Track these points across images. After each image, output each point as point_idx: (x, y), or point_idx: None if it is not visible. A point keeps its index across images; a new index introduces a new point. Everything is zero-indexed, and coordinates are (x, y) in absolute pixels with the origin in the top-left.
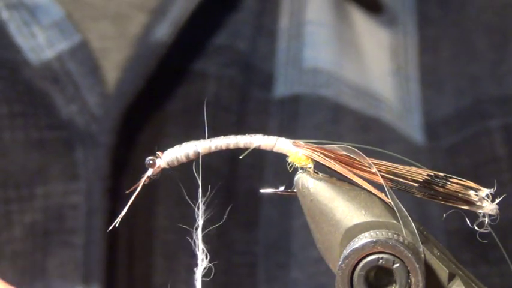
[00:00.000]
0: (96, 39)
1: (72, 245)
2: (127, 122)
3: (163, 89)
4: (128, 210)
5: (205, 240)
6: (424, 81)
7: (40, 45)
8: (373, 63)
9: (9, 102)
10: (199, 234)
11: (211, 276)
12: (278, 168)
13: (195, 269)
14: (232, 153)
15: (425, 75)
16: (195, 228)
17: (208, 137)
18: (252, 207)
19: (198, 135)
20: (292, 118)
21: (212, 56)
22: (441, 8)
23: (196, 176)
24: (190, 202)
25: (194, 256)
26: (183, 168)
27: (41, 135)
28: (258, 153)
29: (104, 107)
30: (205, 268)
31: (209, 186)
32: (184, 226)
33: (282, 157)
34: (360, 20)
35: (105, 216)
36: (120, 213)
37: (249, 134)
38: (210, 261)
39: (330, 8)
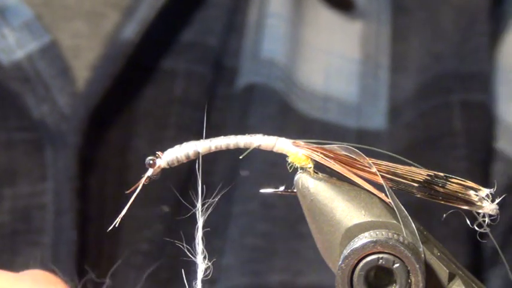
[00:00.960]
0: (68, 38)
1: (40, 245)
2: (95, 121)
3: (132, 88)
4: (97, 209)
5: (154, 238)
6: (394, 67)
7: (10, 45)
8: (334, 57)
9: None
10: (199, 234)
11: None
12: (228, 159)
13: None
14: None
15: (395, 61)
16: (196, 228)
17: (175, 136)
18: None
19: (167, 135)
20: (247, 107)
21: (182, 52)
22: None
23: (198, 176)
24: (187, 205)
25: (146, 256)
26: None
27: (9, 137)
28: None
29: (73, 107)
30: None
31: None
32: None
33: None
34: (325, 13)
35: (74, 215)
36: (89, 212)
37: (212, 130)
38: (155, 258)
39: (291, 2)
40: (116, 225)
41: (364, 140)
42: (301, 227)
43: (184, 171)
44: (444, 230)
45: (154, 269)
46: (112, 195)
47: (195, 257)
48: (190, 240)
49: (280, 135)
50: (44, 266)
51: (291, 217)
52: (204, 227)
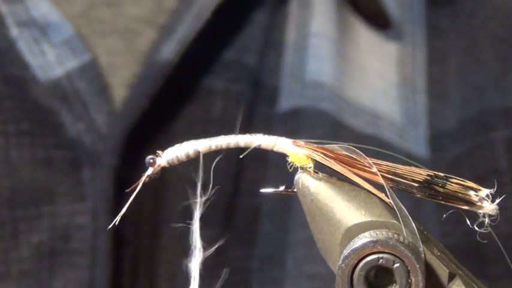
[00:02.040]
0: (104, 54)
1: (77, 266)
2: (132, 141)
3: (171, 107)
4: (133, 230)
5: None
6: (431, 92)
7: (49, 62)
8: (376, 77)
9: (16, 120)
10: (196, 231)
11: None
12: (279, 183)
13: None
14: (236, 170)
15: (432, 86)
16: (192, 225)
17: (213, 155)
18: (251, 223)
19: (205, 154)
20: (293, 132)
21: (220, 71)
22: (450, 19)
23: (200, 175)
24: (191, 200)
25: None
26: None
27: (48, 154)
28: (261, 168)
29: (110, 127)
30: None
31: (208, 189)
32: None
33: (283, 171)
34: (365, 34)
35: (110, 237)
36: (125, 233)
37: (254, 150)
38: (207, 280)
39: (334, 21)
40: (116, 223)
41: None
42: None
43: (229, 193)
44: (498, 270)
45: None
46: (148, 215)
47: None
48: (240, 262)
49: None
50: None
51: None
52: (260, 256)
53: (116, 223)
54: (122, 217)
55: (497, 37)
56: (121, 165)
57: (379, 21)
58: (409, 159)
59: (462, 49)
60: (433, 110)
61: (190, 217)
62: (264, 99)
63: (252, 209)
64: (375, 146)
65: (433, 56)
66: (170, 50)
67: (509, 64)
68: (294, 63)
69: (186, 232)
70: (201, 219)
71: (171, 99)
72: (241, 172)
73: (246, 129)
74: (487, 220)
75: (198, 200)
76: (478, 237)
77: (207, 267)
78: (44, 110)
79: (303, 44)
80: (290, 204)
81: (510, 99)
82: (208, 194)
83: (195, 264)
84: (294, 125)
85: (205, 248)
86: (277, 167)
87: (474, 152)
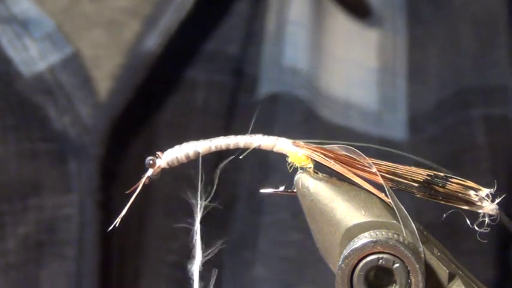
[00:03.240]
0: (88, 47)
1: (64, 257)
2: (117, 132)
3: (154, 98)
4: (120, 224)
5: (182, 249)
6: (411, 76)
7: (32, 57)
8: (353, 65)
9: (2, 115)
10: (197, 234)
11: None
12: (255, 169)
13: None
14: (215, 158)
15: (412, 70)
16: (194, 226)
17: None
18: (227, 210)
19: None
20: (270, 117)
21: (202, 62)
22: (430, 5)
23: (198, 177)
24: (189, 200)
25: (174, 267)
26: (176, 180)
27: (33, 148)
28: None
29: (95, 118)
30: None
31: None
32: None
33: (259, 158)
34: (343, 21)
35: (97, 228)
36: (116, 223)
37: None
38: (182, 270)
39: (311, 9)
40: (116, 225)
41: (384, 152)
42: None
43: (209, 180)
44: (471, 244)
45: (184, 279)
46: (135, 206)
47: (224, 270)
48: (218, 253)
49: None
50: (69, 279)
51: None
52: (233, 238)
53: (117, 225)
54: (109, 209)
55: (476, 19)
56: (107, 156)
57: (359, 9)
58: (383, 145)
59: (442, 33)
60: (412, 93)
61: (176, 210)
62: (245, 88)
63: (229, 196)
64: (346, 137)
65: (414, 42)
66: (153, 41)
67: (489, 45)
68: (273, 51)
69: (170, 224)
70: (181, 208)
71: (155, 90)
72: (218, 160)
73: (228, 119)
74: (487, 220)
75: (199, 201)
76: (478, 237)
77: (184, 255)
78: (29, 104)
79: (281, 31)
80: (264, 187)
81: (488, 78)
82: (208, 194)
83: (196, 265)
84: (271, 110)
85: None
86: (252, 153)
87: (452, 129)
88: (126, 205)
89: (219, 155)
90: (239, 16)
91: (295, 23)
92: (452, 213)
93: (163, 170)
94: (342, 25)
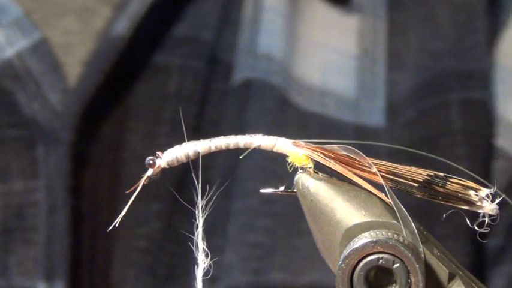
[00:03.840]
0: (59, 35)
1: (32, 242)
2: (88, 118)
3: (126, 84)
4: (90, 205)
5: (152, 235)
6: (391, 63)
7: (0, 44)
8: (331, 52)
9: None
10: (199, 234)
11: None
12: (228, 155)
13: (195, 267)
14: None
15: (392, 57)
16: (194, 226)
17: (169, 132)
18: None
19: (161, 130)
20: (244, 102)
21: (175, 47)
22: None
23: (195, 177)
24: (185, 204)
25: (144, 253)
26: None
27: (1, 134)
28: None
29: (65, 104)
30: (204, 268)
31: (206, 189)
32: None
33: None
34: (322, 8)
35: (67, 212)
36: (82, 209)
37: (208, 125)
38: (152, 256)
39: None
40: (116, 225)
41: (362, 137)
42: (302, 224)
43: (180, 168)
44: (445, 229)
45: (153, 266)
46: (106, 191)
47: (195, 255)
48: (187, 238)
49: (278, 129)
50: (37, 264)
51: (292, 213)
52: (202, 224)
53: (116, 224)
54: (79, 193)
55: (456, 5)
56: (77, 141)
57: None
58: (359, 132)
59: (421, 18)
60: (392, 80)
61: (146, 195)
62: (220, 75)
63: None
64: (320, 124)
65: (394, 28)
66: (123, 26)
67: (466, 30)
68: (248, 38)
69: (141, 209)
70: (150, 194)
71: (126, 75)
72: None
73: (202, 105)
74: (487, 220)
75: (199, 202)
76: (478, 237)
77: (156, 242)
78: None
79: (257, 18)
80: (236, 173)
81: (466, 63)
82: (207, 195)
83: (199, 267)
84: (244, 96)
85: (151, 220)
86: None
87: (428, 112)
88: (102, 190)
89: None
90: (214, 2)
91: (272, 9)
92: (421, 200)
93: (130, 151)
94: (320, 12)
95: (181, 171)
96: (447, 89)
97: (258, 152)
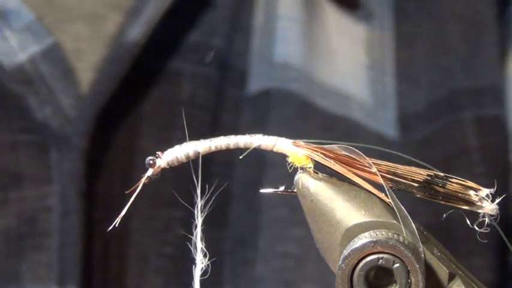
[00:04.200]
0: (70, 40)
1: (45, 248)
2: (101, 123)
3: (138, 89)
4: (103, 211)
5: (176, 241)
6: (400, 75)
7: (12, 48)
8: (345, 59)
9: None
10: (198, 234)
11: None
12: (249, 165)
13: (193, 267)
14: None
15: (400, 69)
16: (194, 226)
17: (182, 137)
18: (222, 205)
19: (173, 136)
20: (263, 113)
21: (187, 54)
22: (417, 2)
23: (195, 177)
24: (186, 205)
25: (162, 257)
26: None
27: (14, 139)
28: (231, 150)
29: (78, 109)
30: (202, 268)
31: (206, 189)
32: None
33: (253, 154)
34: (334, 15)
35: (80, 218)
36: (95, 214)
37: (223, 133)
38: (178, 263)
39: (301, 3)
40: (116, 225)
41: (383, 146)
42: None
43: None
44: (470, 246)
45: (177, 273)
46: (118, 197)
47: (224, 270)
48: (218, 252)
49: (301, 136)
50: (50, 270)
51: None
52: (232, 238)
53: (117, 224)
54: (92, 198)
55: (464, 19)
56: (90, 147)
57: (348, 2)
58: (380, 140)
59: (430, 32)
60: (401, 92)
61: (158, 199)
62: (233, 81)
63: (223, 191)
64: (346, 127)
65: (401, 39)
66: (137, 32)
67: (477, 45)
68: (262, 46)
69: (155, 214)
70: (173, 200)
71: (139, 81)
72: (212, 155)
73: (215, 112)
74: (487, 220)
75: (199, 202)
76: (478, 237)
77: (180, 250)
78: (10, 95)
79: (271, 26)
80: (260, 186)
81: (478, 79)
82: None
83: (197, 267)
84: (263, 106)
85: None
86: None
87: (443, 132)
88: (115, 196)
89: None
90: (224, 8)
91: (286, 17)
92: (450, 216)
93: (143, 157)
94: (332, 18)
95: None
96: (461, 107)
97: (282, 162)
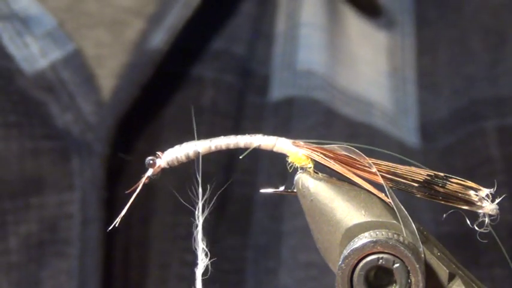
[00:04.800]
0: (91, 46)
1: (66, 255)
2: (123, 130)
3: (160, 96)
4: (124, 218)
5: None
6: (421, 82)
7: (33, 54)
8: (367, 66)
9: (3, 112)
10: (199, 234)
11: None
12: (272, 173)
13: (195, 269)
14: (228, 159)
15: (422, 76)
16: (194, 226)
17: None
18: (244, 213)
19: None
20: (286, 121)
21: (209, 61)
22: (438, 9)
23: (197, 176)
24: (189, 206)
25: (185, 265)
26: (179, 178)
27: (36, 145)
28: (253, 158)
29: (99, 116)
30: (204, 267)
31: (207, 189)
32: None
33: (276, 162)
34: (355, 23)
35: (101, 225)
36: (116, 222)
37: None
38: (203, 268)
39: (324, 10)
40: (116, 225)
41: (404, 154)
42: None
43: (220, 183)
44: (492, 257)
45: (195, 278)
46: (139, 204)
47: (247, 279)
48: (241, 261)
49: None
50: (70, 277)
51: None
52: (255, 246)
53: (117, 224)
54: (112, 206)
55: (487, 27)
56: (111, 154)
57: (370, 9)
58: (402, 148)
59: (452, 39)
60: (423, 100)
61: (180, 206)
62: (255, 88)
63: (245, 199)
64: (368, 134)
65: (422, 47)
66: (159, 39)
67: (499, 53)
68: (285, 53)
69: (177, 221)
70: (189, 204)
71: (161, 88)
72: (233, 162)
73: (237, 119)
74: (487, 220)
75: (200, 202)
76: (478, 237)
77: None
78: (31, 102)
79: (293, 34)
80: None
81: (500, 88)
82: (206, 193)
83: (199, 266)
84: (286, 114)
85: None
86: (269, 157)
87: (465, 141)
88: (135, 203)
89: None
90: (246, 15)
91: (309, 24)
92: (471, 226)
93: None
94: (354, 25)
95: (222, 186)
96: (483, 117)
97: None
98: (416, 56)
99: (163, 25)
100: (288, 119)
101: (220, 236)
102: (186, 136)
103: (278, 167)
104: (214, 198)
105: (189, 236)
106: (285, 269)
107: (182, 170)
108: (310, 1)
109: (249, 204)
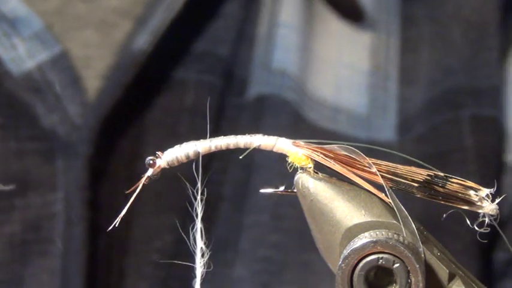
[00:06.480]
0: (79, 47)
1: (49, 254)
2: (106, 131)
3: (143, 98)
4: (107, 219)
5: (165, 248)
6: (402, 79)
7: (21, 56)
8: (344, 68)
9: None
10: (197, 233)
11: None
12: (240, 168)
13: (195, 268)
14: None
15: (404, 73)
16: (191, 227)
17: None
18: (212, 210)
19: (177, 144)
20: (257, 118)
21: (192, 62)
22: (423, 9)
23: (196, 176)
24: (190, 208)
25: (157, 266)
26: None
27: (21, 147)
28: (226, 157)
29: (84, 117)
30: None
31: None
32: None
33: (247, 161)
34: (336, 25)
35: (84, 225)
36: (99, 222)
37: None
38: (164, 268)
39: (303, 12)
40: (116, 225)
41: (374, 152)
42: (313, 239)
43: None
44: (457, 245)
45: (165, 279)
46: (122, 205)
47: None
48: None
49: None
50: (53, 276)
51: (303, 228)
52: (214, 238)
53: (117, 224)
54: (96, 206)
55: (469, 22)
56: (95, 155)
57: (353, 13)
58: (370, 149)
59: (434, 35)
60: (404, 96)
61: (164, 208)
62: (234, 89)
63: (215, 195)
64: (330, 140)
65: (406, 45)
66: (143, 41)
67: (479, 47)
68: (263, 53)
69: (155, 225)
70: (163, 207)
71: (144, 89)
72: (210, 162)
73: (216, 120)
74: (487, 220)
75: (199, 201)
76: (478, 237)
77: (167, 254)
78: (18, 103)
79: (272, 33)
80: (248, 187)
81: (478, 79)
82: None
83: (198, 266)
84: (258, 111)
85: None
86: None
87: (439, 128)
88: (119, 204)
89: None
90: (230, 17)
91: (286, 25)
92: (437, 212)
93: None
94: (334, 28)
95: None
96: (459, 105)
97: (271, 167)
98: (400, 54)
99: (148, 27)
100: (260, 116)
101: (189, 235)
102: (168, 137)
103: (246, 164)
104: (204, 198)
105: (157, 237)
106: (243, 261)
107: (169, 171)
108: (289, 2)
109: (217, 202)
